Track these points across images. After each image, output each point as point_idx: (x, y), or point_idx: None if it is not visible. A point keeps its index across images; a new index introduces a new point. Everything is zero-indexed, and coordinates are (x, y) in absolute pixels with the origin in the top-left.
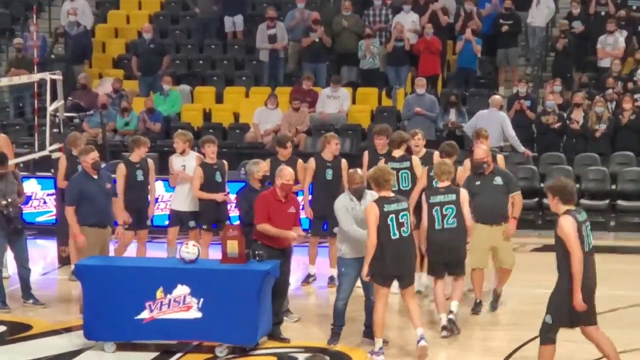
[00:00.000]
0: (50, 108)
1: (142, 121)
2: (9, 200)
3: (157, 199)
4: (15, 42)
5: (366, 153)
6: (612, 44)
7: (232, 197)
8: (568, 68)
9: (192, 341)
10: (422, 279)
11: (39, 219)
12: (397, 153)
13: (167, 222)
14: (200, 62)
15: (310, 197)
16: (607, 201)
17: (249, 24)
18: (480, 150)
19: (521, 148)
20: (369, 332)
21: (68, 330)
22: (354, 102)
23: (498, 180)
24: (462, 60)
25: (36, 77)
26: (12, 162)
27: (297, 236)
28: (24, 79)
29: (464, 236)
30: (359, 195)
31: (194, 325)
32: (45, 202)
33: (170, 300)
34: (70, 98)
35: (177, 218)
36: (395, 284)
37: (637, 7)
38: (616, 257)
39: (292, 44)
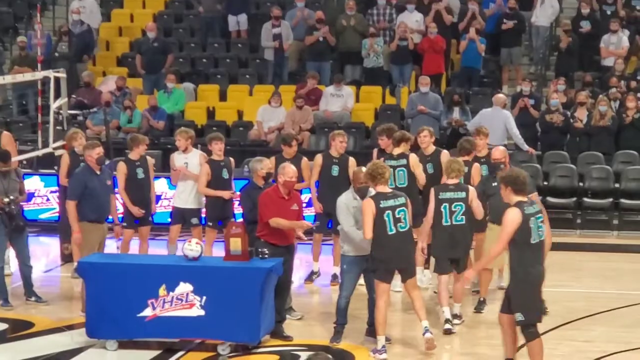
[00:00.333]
0: (53, 106)
1: (146, 119)
2: (11, 197)
3: (159, 196)
4: (18, 40)
5: (375, 151)
6: (615, 43)
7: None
8: (572, 67)
9: (195, 339)
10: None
11: (42, 216)
12: (396, 151)
13: (169, 220)
14: (204, 60)
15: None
16: (610, 200)
17: (253, 22)
18: (498, 151)
19: (525, 146)
20: (372, 331)
21: (70, 327)
22: (357, 100)
23: None
24: (465, 59)
25: (40, 74)
26: (15, 159)
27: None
28: (28, 76)
29: (470, 234)
30: (362, 194)
31: (197, 323)
32: (48, 200)
33: (173, 298)
34: (74, 96)
35: (180, 216)
36: (396, 282)
37: None
38: (619, 255)
39: (294, 43)
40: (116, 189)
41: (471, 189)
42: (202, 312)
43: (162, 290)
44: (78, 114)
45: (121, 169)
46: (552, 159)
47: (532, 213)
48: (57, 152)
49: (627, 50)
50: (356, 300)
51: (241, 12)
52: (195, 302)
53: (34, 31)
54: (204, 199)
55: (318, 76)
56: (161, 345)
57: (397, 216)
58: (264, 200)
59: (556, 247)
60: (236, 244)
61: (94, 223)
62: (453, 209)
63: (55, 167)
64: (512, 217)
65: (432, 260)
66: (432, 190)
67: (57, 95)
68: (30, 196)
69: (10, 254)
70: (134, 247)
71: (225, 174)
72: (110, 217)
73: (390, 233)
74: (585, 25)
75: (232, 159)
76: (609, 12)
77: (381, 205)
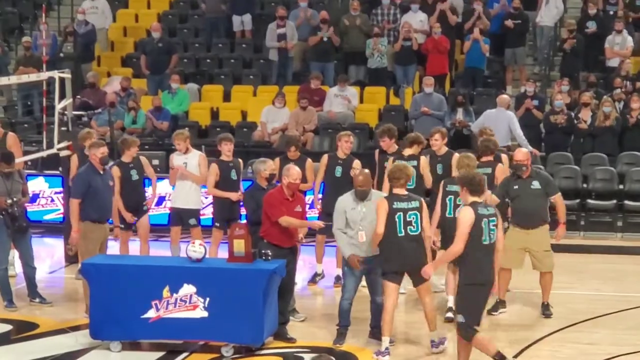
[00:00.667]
0: (58, 106)
1: (150, 120)
2: (14, 199)
3: (163, 197)
4: (23, 40)
5: (376, 152)
6: (620, 44)
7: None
8: (576, 68)
9: (198, 341)
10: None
11: (47, 217)
12: (407, 152)
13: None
14: (208, 60)
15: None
16: (614, 201)
17: (257, 23)
18: (520, 153)
19: (529, 147)
20: (375, 333)
21: (74, 329)
22: (361, 101)
23: (535, 184)
24: (469, 59)
25: (45, 75)
26: (20, 160)
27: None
28: (32, 77)
29: None
30: (361, 197)
31: (200, 324)
32: (52, 201)
33: (176, 300)
34: (78, 96)
35: (178, 217)
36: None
37: None
38: (623, 257)
39: (297, 43)
40: None
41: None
42: (205, 314)
43: (165, 292)
44: (83, 115)
45: (115, 173)
46: (556, 160)
47: (486, 215)
48: (62, 153)
49: (631, 50)
50: (360, 302)
51: (245, 12)
52: (198, 304)
53: (39, 31)
54: (202, 199)
55: (322, 77)
56: (165, 347)
57: (408, 219)
58: (270, 201)
59: (560, 249)
60: (240, 245)
61: (96, 223)
62: (457, 202)
63: (60, 168)
64: (465, 216)
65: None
66: (442, 183)
67: (62, 96)
68: (35, 197)
69: (15, 255)
70: (134, 248)
71: (233, 175)
72: (110, 218)
73: (399, 235)
74: (591, 26)
75: (240, 160)
76: (611, 13)
77: (394, 206)
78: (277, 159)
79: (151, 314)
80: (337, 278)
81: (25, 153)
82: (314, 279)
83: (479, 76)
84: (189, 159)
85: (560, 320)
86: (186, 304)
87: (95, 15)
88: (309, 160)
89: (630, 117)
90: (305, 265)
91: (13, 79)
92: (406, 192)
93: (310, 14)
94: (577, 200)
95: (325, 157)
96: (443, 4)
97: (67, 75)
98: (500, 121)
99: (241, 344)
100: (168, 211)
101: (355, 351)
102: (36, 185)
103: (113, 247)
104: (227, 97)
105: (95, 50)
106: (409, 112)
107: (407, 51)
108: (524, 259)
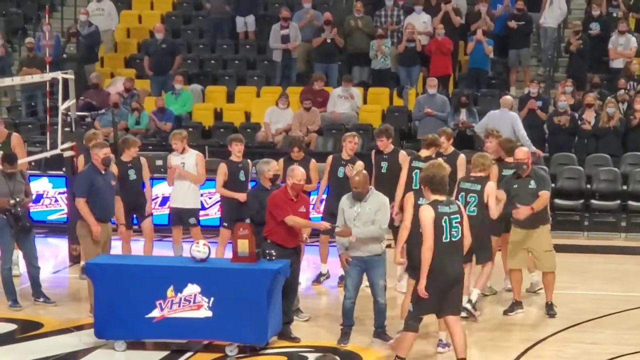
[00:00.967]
0: (62, 107)
1: (153, 120)
2: (17, 199)
3: (167, 198)
4: (27, 41)
5: (373, 152)
6: (624, 44)
7: None
8: (583, 69)
9: (202, 340)
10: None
11: (50, 217)
12: (424, 154)
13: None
14: (212, 61)
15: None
16: (618, 202)
17: (261, 24)
18: (521, 152)
19: (532, 148)
20: (379, 333)
21: (79, 328)
22: (365, 102)
23: (532, 184)
24: (473, 60)
25: (48, 76)
26: (24, 160)
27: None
28: (36, 78)
29: (482, 225)
30: (356, 197)
31: (204, 324)
32: (56, 201)
33: (180, 299)
34: (82, 97)
35: (177, 217)
36: (403, 283)
37: None
38: (627, 258)
39: (301, 44)
40: None
41: (489, 183)
42: (209, 314)
43: (170, 292)
44: (86, 116)
45: (113, 171)
46: (560, 160)
47: (447, 212)
48: (66, 154)
49: (635, 51)
50: (365, 302)
51: (249, 14)
52: (203, 303)
53: (42, 32)
54: (200, 198)
55: (325, 78)
56: (169, 346)
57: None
58: (275, 201)
59: (563, 249)
60: (244, 245)
61: (98, 222)
62: (468, 199)
63: (64, 169)
64: (424, 215)
65: None
66: (457, 182)
67: (66, 97)
68: (39, 197)
69: (19, 255)
70: (137, 247)
71: (242, 176)
72: (113, 218)
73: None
74: (595, 27)
75: (249, 162)
76: (614, 15)
77: (419, 202)
78: (281, 160)
79: (155, 313)
80: (341, 278)
81: (29, 154)
82: (318, 279)
83: (482, 77)
84: (186, 159)
85: (564, 320)
86: (190, 304)
87: (101, 17)
88: (313, 161)
89: (633, 118)
90: (309, 265)
91: (17, 80)
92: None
93: (314, 15)
94: (581, 201)
95: (330, 158)
96: (447, 5)
97: (70, 76)
98: (503, 122)
99: (245, 344)
100: (164, 212)
101: (359, 351)
102: (40, 185)
103: (116, 247)
104: (230, 98)
105: (99, 51)
106: (412, 113)
107: (410, 52)
108: (527, 259)
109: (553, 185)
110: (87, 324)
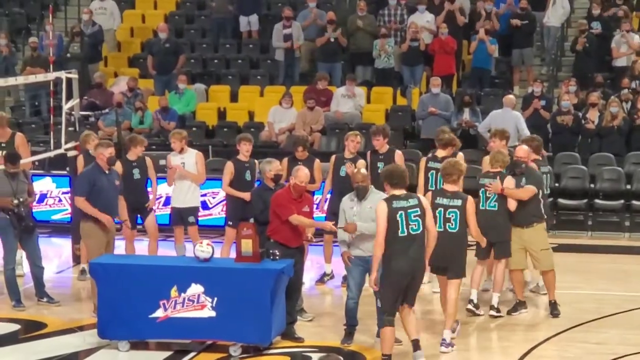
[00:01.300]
0: (65, 107)
1: (157, 120)
2: (20, 199)
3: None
4: (30, 40)
5: (369, 153)
6: (627, 43)
7: None
8: (589, 68)
9: (206, 340)
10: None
11: (54, 217)
12: (441, 154)
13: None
14: (215, 61)
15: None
16: (621, 201)
17: (264, 23)
18: (521, 150)
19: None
20: None
21: (82, 328)
22: (368, 101)
23: (524, 181)
24: (476, 60)
25: (52, 75)
26: (27, 160)
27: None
28: (40, 77)
29: (505, 222)
30: (359, 194)
31: (208, 324)
32: (60, 201)
33: (184, 299)
34: (85, 97)
35: (178, 216)
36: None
37: None
38: (630, 257)
39: (305, 43)
40: None
41: (507, 178)
42: (213, 313)
43: (173, 292)
44: (90, 115)
45: (117, 169)
46: (564, 160)
47: (403, 207)
48: (70, 154)
49: (638, 46)
50: (368, 302)
51: (252, 13)
52: (206, 303)
53: (45, 32)
54: (203, 198)
55: (328, 77)
56: (173, 347)
57: (447, 216)
58: (279, 201)
59: (567, 249)
60: (247, 245)
61: (101, 222)
62: (488, 195)
63: (68, 169)
64: (379, 211)
65: None
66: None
67: (69, 97)
68: (42, 197)
69: (23, 255)
70: (140, 247)
71: (248, 176)
72: (117, 219)
73: (438, 230)
74: (596, 27)
75: (256, 162)
76: (618, 14)
77: (437, 201)
78: (285, 159)
79: (159, 313)
80: (345, 278)
81: (33, 153)
82: (322, 279)
83: (485, 76)
84: (186, 158)
85: (567, 320)
86: (194, 304)
87: (103, 16)
88: (317, 160)
89: (637, 117)
90: (313, 265)
91: (20, 80)
92: (453, 190)
93: (318, 14)
94: (585, 201)
95: (332, 158)
96: (451, 4)
97: (74, 75)
98: (506, 121)
99: (249, 344)
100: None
101: (363, 351)
102: (43, 185)
103: (120, 247)
104: (234, 98)
105: (102, 50)
106: (416, 112)
107: (414, 52)
108: (526, 258)
109: (557, 184)
110: (91, 324)
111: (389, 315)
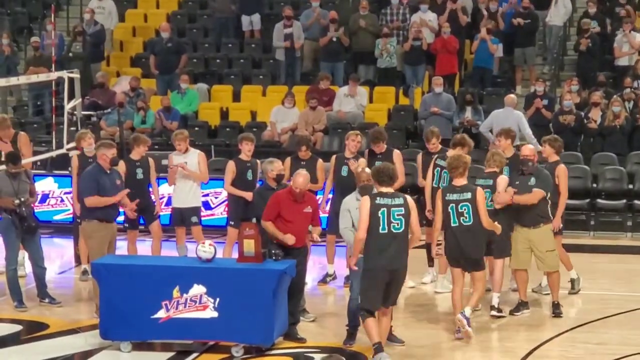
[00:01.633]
0: (67, 106)
1: (159, 120)
2: (22, 199)
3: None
4: (32, 40)
5: (366, 152)
6: (628, 43)
7: None
8: (591, 68)
9: (208, 341)
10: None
11: (56, 217)
12: (451, 153)
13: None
14: (218, 60)
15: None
16: (624, 201)
17: (266, 22)
18: (527, 149)
19: (538, 147)
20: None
21: (84, 329)
22: (371, 101)
23: (532, 181)
24: (478, 59)
25: (54, 75)
26: (29, 160)
27: (292, 240)
28: (42, 77)
29: (498, 219)
30: (363, 194)
31: (210, 324)
32: (62, 201)
33: (186, 300)
34: (87, 96)
35: (179, 216)
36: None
37: None
38: (633, 257)
39: (308, 43)
40: None
41: (500, 177)
42: (215, 314)
43: (175, 292)
44: (92, 115)
45: (120, 168)
46: (566, 159)
47: (387, 204)
48: (71, 153)
49: (639, 46)
50: None
51: (255, 12)
52: (208, 304)
53: (46, 32)
54: (204, 198)
55: (331, 77)
56: (175, 347)
57: (460, 210)
58: (271, 201)
59: (569, 248)
60: (249, 245)
61: (103, 222)
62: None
63: (69, 169)
64: (362, 205)
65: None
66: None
67: (71, 96)
68: (45, 197)
69: (25, 255)
70: (142, 248)
71: (249, 175)
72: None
73: (452, 225)
74: (594, 26)
75: (258, 162)
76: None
77: (447, 198)
78: (288, 159)
79: (161, 314)
80: (347, 278)
81: (35, 153)
82: (324, 280)
83: (487, 76)
84: (189, 158)
85: (570, 320)
86: (196, 304)
87: (102, 16)
88: (320, 160)
89: (639, 116)
90: (315, 265)
91: (22, 79)
92: (462, 184)
93: (322, 13)
94: (587, 200)
95: (333, 158)
96: (454, 4)
97: (76, 75)
98: (508, 121)
99: (251, 344)
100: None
101: (365, 351)
102: (45, 185)
103: (122, 248)
104: (236, 97)
105: (104, 50)
106: (418, 112)
107: (416, 51)
108: (530, 258)
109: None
110: (93, 324)
111: (367, 312)
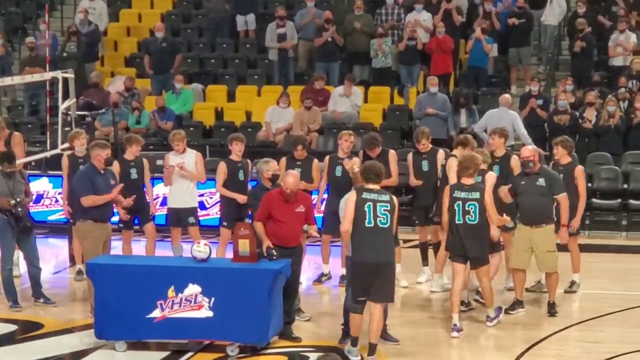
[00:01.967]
0: (62, 106)
1: (154, 120)
2: (17, 199)
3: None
4: (27, 40)
5: (360, 153)
6: (623, 42)
7: None
8: (586, 68)
9: (203, 340)
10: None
11: (51, 217)
12: (458, 152)
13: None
14: (212, 60)
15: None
16: (619, 200)
17: (261, 22)
18: (527, 150)
19: (534, 147)
20: (381, 332)
21: (79, 329)
22: (366, 100)
23: (541, 181)
24: (472, 59)
25: (48, 75)
26: (23, 160)
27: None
28: (36, 77)
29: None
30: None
31: (205, 324)
32: (57, 201)
33: (181, 299)
34: (82, 96)
35: (175, 217)
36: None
37: None
38: (628, 256)
39: (303, 43)
40: None
41: (489, 173)
42: (210, 314)
43: (170, 292)
44: (86, 115)
45: (114, 169)
46: None
47: (373, 199)
48: (66, 154)
49: (634, 46)
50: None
51: (249, 12)
52: (203, 304)
53: (40, 32)
54: (200, 198)
55: (325, 77)
56: (170, 347)
57: (466, 209)
58: (263, 200)
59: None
60: (244, 245)
61: (97, 222)
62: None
63: None
64: (348, 199)
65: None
66: None
67: (66, 96)
68: (39, 198)
69: (20, 255)
70: (137, 248)
71: (241, 176)
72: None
73: (457, 222)
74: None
75: (249, 162)
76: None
77: (454, 195)
78: (284, 159)
79: (156, 313)
80: (342, 277)
81: (29, 153)
82: (320, 279)
83: (482, 76)
84: (186, 158)
85: (566, 319)
86: (191, 304)
87: (92, 17)
88: (316, 160)
89: (634, 116)
90: (310, 265)
91: (17, 79)
92: (471, 183)
93: (317, 13)
94: None
95: (326, 159)
96: (448, 3)
97: (70, 75)
98: (503, 121)
99: (246, 344)
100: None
101: (360, 350)
102: (40, 185)
103: (117, 248)
104: (231, 97)
105: (98, 50)
106: (413, 112)
107: (411, 51)
108: (530, 259)
109: None
110: (88, 324)
111: (355, 303)
